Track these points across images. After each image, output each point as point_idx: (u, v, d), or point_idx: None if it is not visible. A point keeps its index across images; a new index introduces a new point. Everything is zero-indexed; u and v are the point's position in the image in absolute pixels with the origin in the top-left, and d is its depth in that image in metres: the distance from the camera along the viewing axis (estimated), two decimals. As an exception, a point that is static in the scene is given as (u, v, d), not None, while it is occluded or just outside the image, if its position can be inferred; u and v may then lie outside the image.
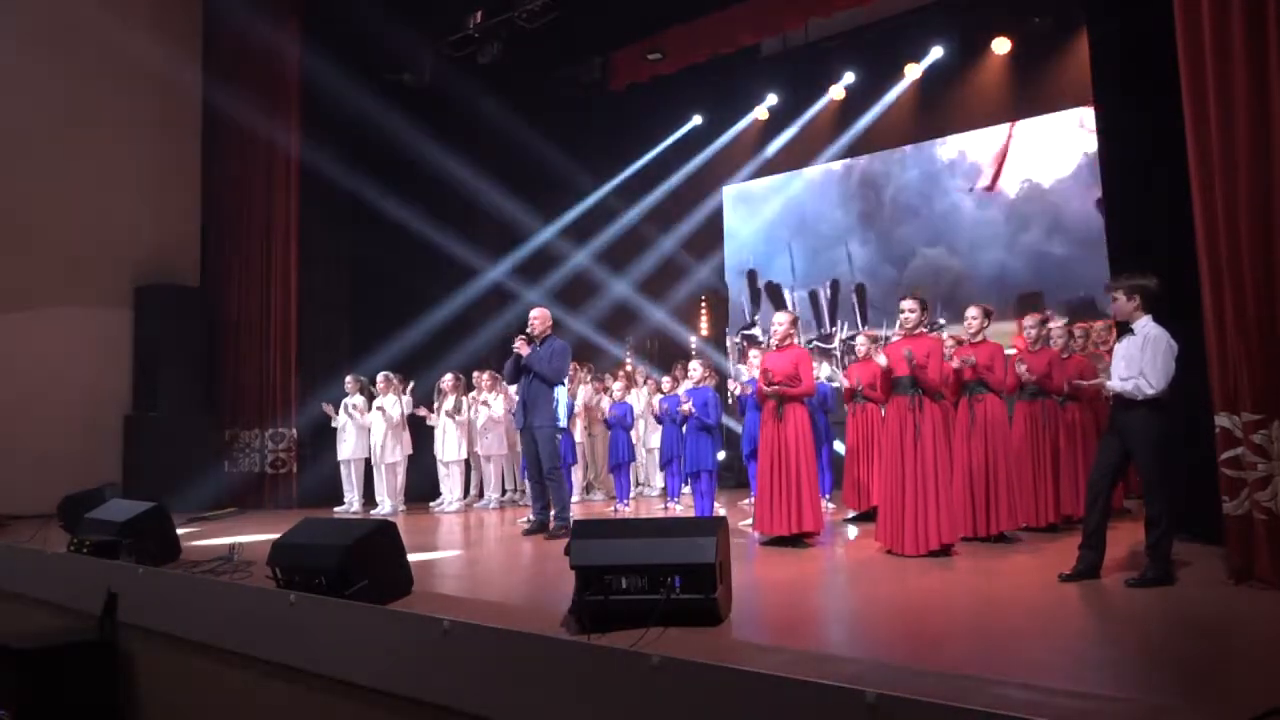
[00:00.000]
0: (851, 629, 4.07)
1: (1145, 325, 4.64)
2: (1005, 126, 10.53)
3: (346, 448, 9.39)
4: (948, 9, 10.49)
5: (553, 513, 7.00)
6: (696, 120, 12.75)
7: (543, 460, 7.05)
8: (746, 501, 8.08)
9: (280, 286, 10.12)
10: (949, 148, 10.96)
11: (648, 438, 9.92)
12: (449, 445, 9.35)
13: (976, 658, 3.39)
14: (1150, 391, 4.51)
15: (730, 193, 12.95)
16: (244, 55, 10.52)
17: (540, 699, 3.40)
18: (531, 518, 7.25)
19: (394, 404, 9.20)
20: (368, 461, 9.42)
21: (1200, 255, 4.57)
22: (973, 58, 10.64)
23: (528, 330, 7.11)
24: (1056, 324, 7.34)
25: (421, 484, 9.67)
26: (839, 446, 8.67)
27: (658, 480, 10.17)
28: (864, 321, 11.31)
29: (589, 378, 10.03)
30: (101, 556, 5.82)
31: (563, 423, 7.22)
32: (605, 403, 9.54)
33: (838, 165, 11.86)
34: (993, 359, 6.19)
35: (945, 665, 3.25)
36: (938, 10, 10.56)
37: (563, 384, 7.19)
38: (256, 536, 6.77)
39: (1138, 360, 4.57)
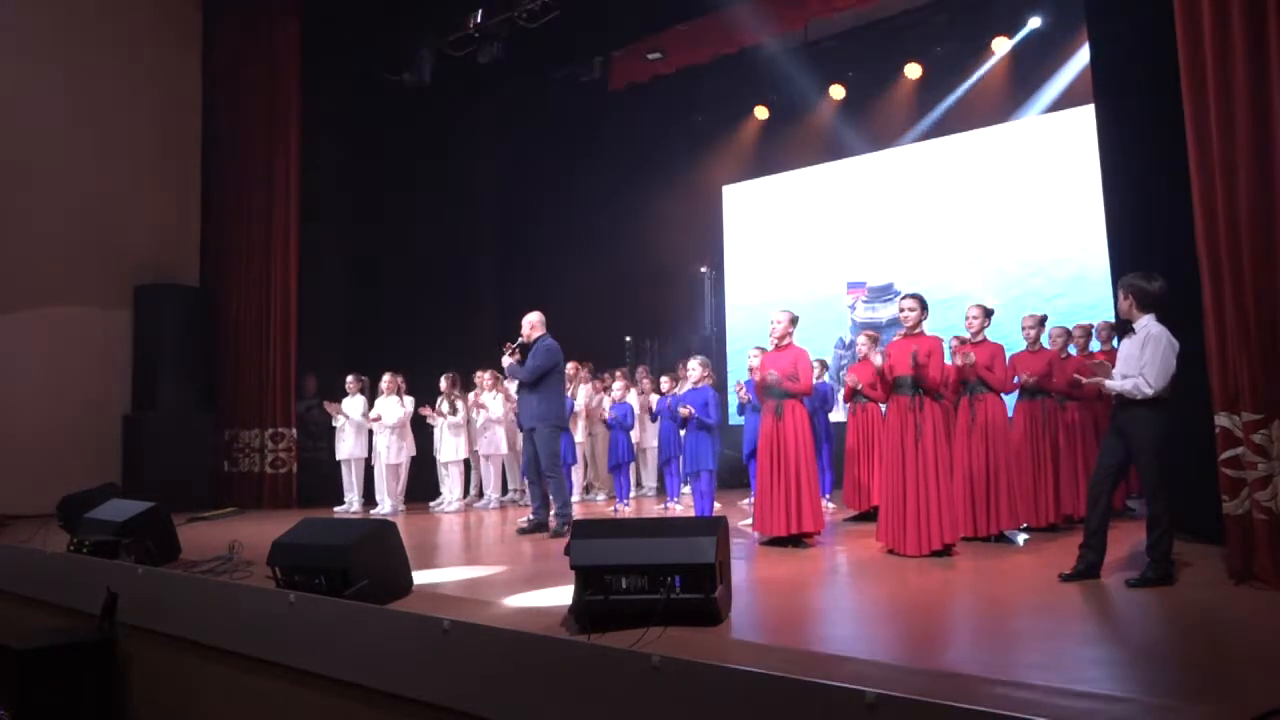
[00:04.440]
0: (851, 629, 4.06)
1: (1146, 324, 4.63)
2: (1004, 126, 10.55)
3: (346, 448, 9.39)
4: (948, 9, 10.49)
5: (553, 512, 7.01)
6: (697, 120, 12.74)
7: (541, 460, 7.07)
8: (746, 501, 8.08)
9: (280, 286, 10.11)
10: (950, 146, 10.97)
11: (647, 438, 9.92)
12: (449, 445, 9.35)
13: (976, 658, 3.39)
14: (1149, 391, 4.50)
15: (730, 193, 12.95)
16: (244, 55, 10.53)
17: (540, 699, 3.40)
18: (531, 517, 7.25)
19: (395, 405, 9.19)
20: (368, 461, 9.42)
21: (1200, 255, 4.57)
22: (973, 58, 10.64)
23: (520, 338, 7.16)
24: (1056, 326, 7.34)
25: (421, 484, 9.67)
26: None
27: (652, 480, 10.17)
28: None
29: (589, 378, 10.02)
30: (101, 556, 5.82)
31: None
32: (605, 403, 9.53)
33: (838, 165, 11.86)
34: (993, 359, 6.19)
35: (945, 665, 3.25)
36: (938, 10, 10.56)
37: (541, 378, 7.12)
38: (256, 536, 6.76)
39: (1137, 359, 4.57)
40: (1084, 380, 5.10)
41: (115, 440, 9.94)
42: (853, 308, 11.50)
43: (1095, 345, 7.45)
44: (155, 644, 5.19)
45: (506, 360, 7.12)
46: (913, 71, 10.95)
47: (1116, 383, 4.63)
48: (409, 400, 9.28)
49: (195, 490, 9.61)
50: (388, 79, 10.60)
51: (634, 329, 13.20)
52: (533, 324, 7.21)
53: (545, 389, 7.07)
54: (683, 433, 7.75)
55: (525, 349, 7.13)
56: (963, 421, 6.19)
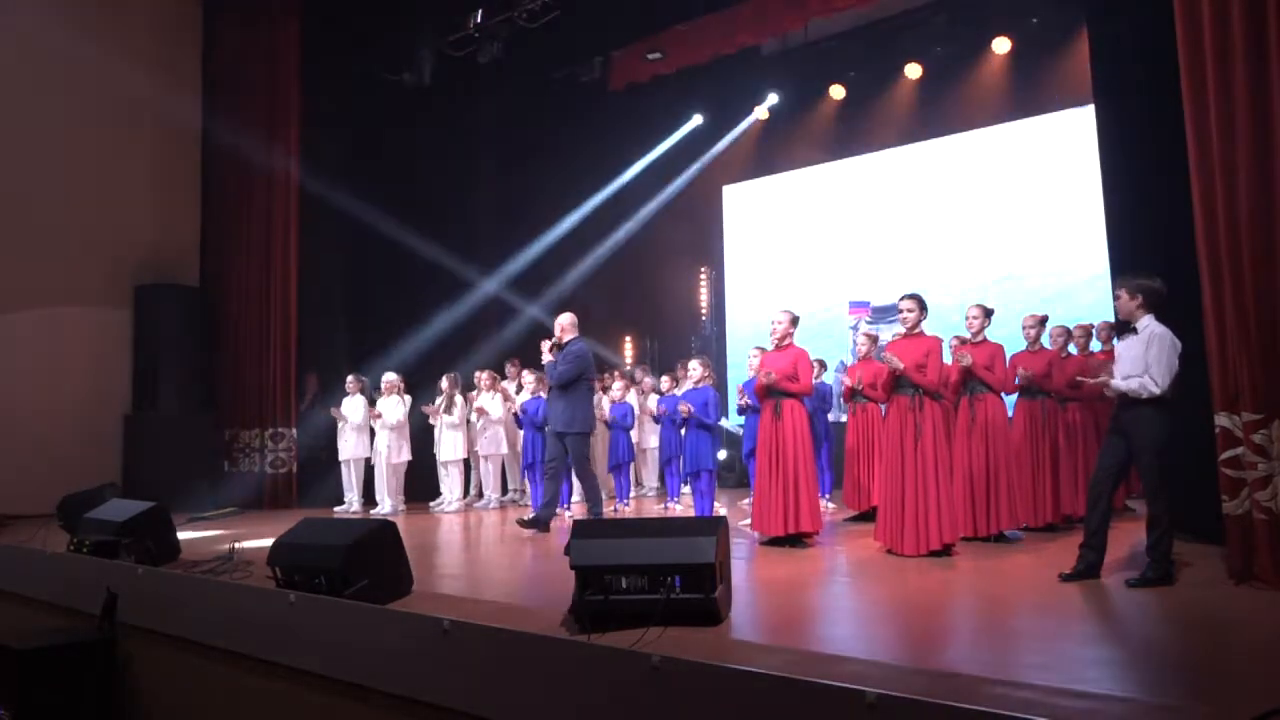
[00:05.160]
0: (851, 629, 4.06)
1: (1149, 324, 4.64)
2: (1004, 126, 10.55)
3: (347, 448, 9.39)
4: (948, 9, 10.49)
5: (583, 507, 7.07)
6: (697, 120, 12.75)
7: (573, 465, 7.10)
8: (746, 501, 8.08)
9: (280, 286, 10.11)
10: (948, 147, 10.97)
11: (646, 438, 9.92)
12: (448, 445, 9.35)
13: (976, 658, 3.39)
14: (1155, 390, 4.51)
15: (730, 192, 12.95)
16: (244, 55, 10.53)
17: (540, 699, 3.40)
18: (535, 512, 7.25)
19: (396, 405, 9.20)
20: (368, 461, 9.42)
21: (1200, 255, 4.57)
22: (973, 58, 10.65)
23: (554, 339, 7.18)
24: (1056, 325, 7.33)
25: (421, 484, 9.67)
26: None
27: (653, 480, 10.16)
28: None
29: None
30: (101, 556, 5.82)
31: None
32: (605, 403, 9.53)
33: (838, 165, 11.86)
34: (993, 359, 6.19)
35: (945, 665, 3.25)
36: (938, 10, 10.56)
37: (576, 383, 7.11)
38: (256, 536, 6.77)
39: (1142, 358, 4.57)
40: (1088, 381, 5.10)
41: (115, 440, 9.94)
42: (855, 328, 11.43)
43: (1095, 345, 7.45)
44: (155, 644, 5.19)
45: (546, 358, 7.15)
46: (913, 71, 10.96)
47: (1121, 383, 4.62)
48: (408, 400, 9.28)
49: (195, 490, 9.60)
50: (388, 79, 10.59)
51: (634, 329, 13.19)
52: (563, 326, 7.20)
53: (574, 393, 7.03)
54: (683, 432, 7.76)
55: (559, 349, 7.13)
56: (963, 421, 6.19)
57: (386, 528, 4.76)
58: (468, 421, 9.42)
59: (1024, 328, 6.76)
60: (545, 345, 7.13)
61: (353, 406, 9.36)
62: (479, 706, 3.58)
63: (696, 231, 12.98)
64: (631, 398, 9.65)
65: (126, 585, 5.37)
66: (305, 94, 10.23)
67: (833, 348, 11.09)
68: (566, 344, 7.09)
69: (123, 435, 10.00)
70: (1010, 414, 6.46)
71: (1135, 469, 4.87)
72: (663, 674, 3.06)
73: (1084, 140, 9.52)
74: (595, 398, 9.72)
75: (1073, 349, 7.36)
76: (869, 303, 11.13)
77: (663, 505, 8.88)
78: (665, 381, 9.47)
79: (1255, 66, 4.32)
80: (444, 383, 9.37)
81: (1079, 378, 6.30)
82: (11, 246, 9.35)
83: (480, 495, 9.72)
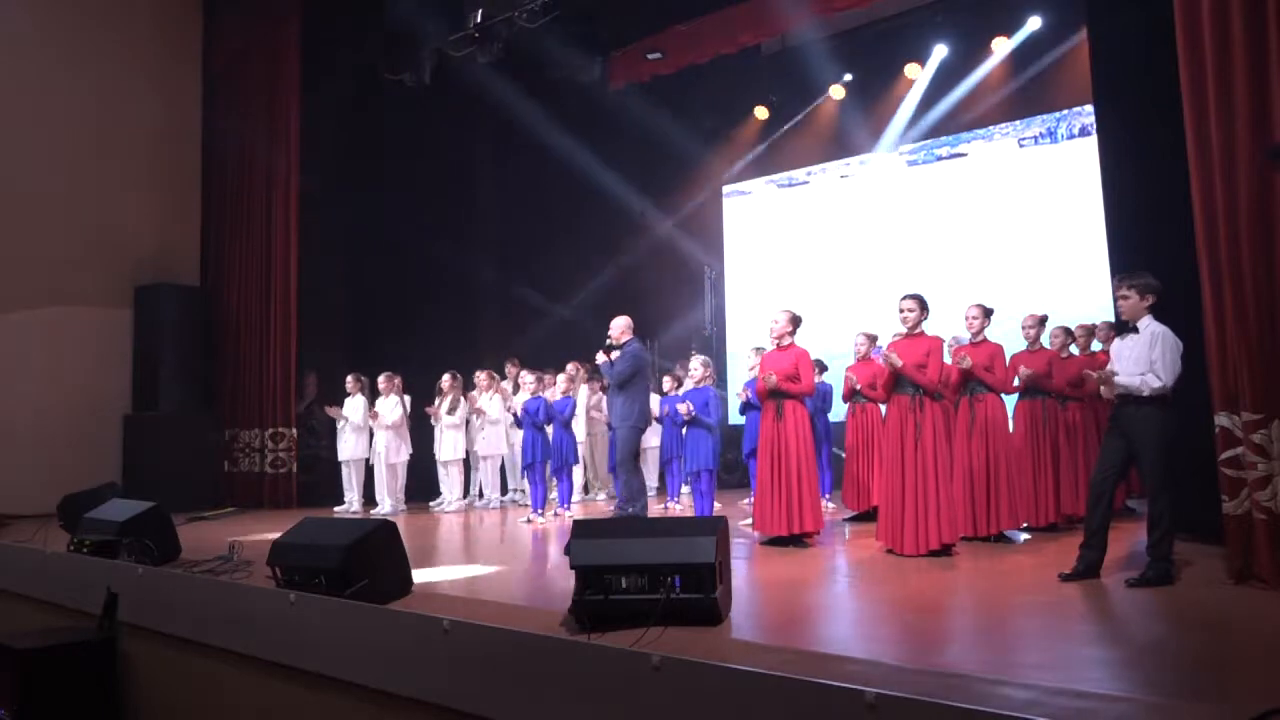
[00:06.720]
0: (851, 629, 4.07)
1: (1149, 323, 4.64)
2: (1003, 126, 10.55)
3: (346, 448, 9.39)
4: (948, 9, 10.50)
5: (615, 504, 7.11)
6: (699, 120, 12.72)
7: (616, 454, 7.23)
8: (746, 501, 8.08)
9: (280, 286, 10.11)
10: (949, 148, 10.96)
11: (646, 437, 9.90)
12: (448, 445, 9.35)
13: (976, 658, 3.39)
14: (1156, 384, 4.51)
15: (730, 192, 12.95)
16: (244, 55, 10.53)
17: (540, 699, 3.40)
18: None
19: (395, 404, 9.20)
20: (368, 461, 9.43)
21: (1200, 255, 4.57)
22: (973, 58, 10.65)
23: (609, 340, 7.28)
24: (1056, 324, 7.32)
25: (421, 484, 9.68)
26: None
27: (653, 480, 10.15)
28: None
29: (589, 377, 10.02)
30: (101, 556, 5.83)
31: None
32: (605, 403, 9.52)
33: (838, 164, 11.86)
34: (993, 359, 6.19)
35: (945, 665, 3.25)
36: (938, 10, 10.57)
37: (633, 380, 7.20)
38: (256, 536, 6.77)
39: (1146, 357, 4.57)
40: (1092, 374, 5.07)
41: (115, 440, 9.94)
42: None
43: (1096, 345, 7.45)
44: (155, 644, 5.19)
45: (600, 358, 7.27)
46: (913, 71, 10.96)
47: (1126, 379, 4.62)
48: (407, 399, 9.28)
49: (195, 490, 9.60)
50: (388, 79, 10.59)
51: (634, 329, 13.16)
52: (620, 329, 7.36)
53: (631, 390, 7.18)
54: (684, 432, 7.76)
55: (612, 350, 7.25)
56: (963, 421, 6.19)
57: (386, 528, 4.76)
58: (467, 421, 9.42)
59: (1024, 328, 6.76)
60: (602, 351, 7.30)
61: (353, 406, 9.36)
62: (479, 706, 3.58)
63: (696, 231, 12.97)
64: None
65: (126, 585, 5.37)
66: (305, 94, 10.22)
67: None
68: (623, 344, 7.25)
69: (123, 435, 10.00)
70: (1010, 414, 6.45)
71: (1135, 468, 4.87)
72: (663, 674, 3.06)
73: (1083, 140, 9.54)
74: (596, 398, 9.77)
75: (1074, 349, 7.36)
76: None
77: (663, 505, 8.88)
78: (667, 382, 9.46)
79: (1255, 67, 4.32)
80: (444, 382, 9.37)
81: (1085, 371, 6.29)
82: (12, 247, 9.35)
83: (480, 495, 9.72)
